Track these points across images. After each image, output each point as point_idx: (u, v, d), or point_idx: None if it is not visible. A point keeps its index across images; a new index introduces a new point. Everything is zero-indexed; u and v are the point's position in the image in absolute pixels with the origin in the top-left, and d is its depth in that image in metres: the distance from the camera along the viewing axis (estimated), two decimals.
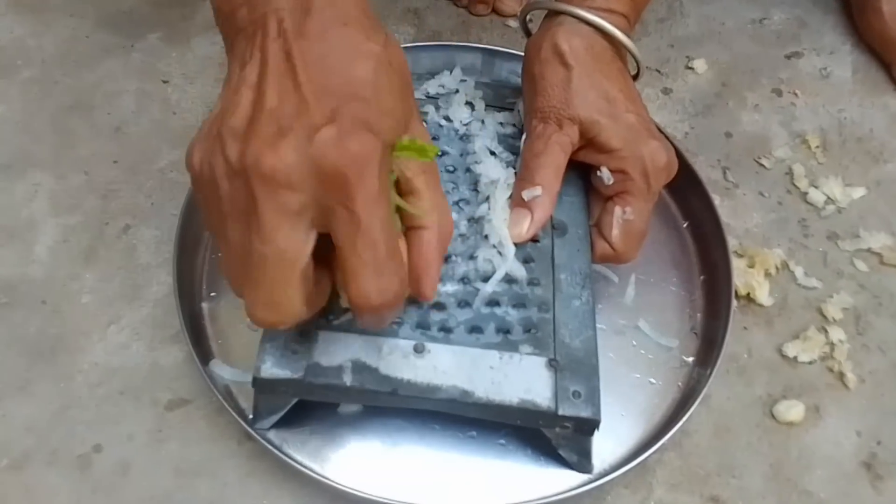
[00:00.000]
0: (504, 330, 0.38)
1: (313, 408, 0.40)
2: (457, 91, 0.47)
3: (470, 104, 0.47)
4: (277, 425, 0.39)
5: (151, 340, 0.44)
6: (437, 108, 0.46)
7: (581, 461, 0.39)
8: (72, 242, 0.48)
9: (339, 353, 0.36)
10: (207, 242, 0.47)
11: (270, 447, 0.38)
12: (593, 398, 0.36)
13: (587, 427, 0.36)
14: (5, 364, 0.43)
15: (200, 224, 0.47)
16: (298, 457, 0.39)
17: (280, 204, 0.27)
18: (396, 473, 0.39)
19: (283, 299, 0.29)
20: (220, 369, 0.41)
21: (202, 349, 0.42)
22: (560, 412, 0.36)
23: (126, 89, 0.56)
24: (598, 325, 0.44)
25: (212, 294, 0.45)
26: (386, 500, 0.36)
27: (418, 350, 0.37)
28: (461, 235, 0.41)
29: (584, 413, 0.36)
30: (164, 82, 0.56)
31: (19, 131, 0.53)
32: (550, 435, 0.37)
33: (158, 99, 0.55)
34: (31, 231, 0.48)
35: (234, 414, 0.38)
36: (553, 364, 0.37)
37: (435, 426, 0.40)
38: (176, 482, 0.39)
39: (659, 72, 0.60)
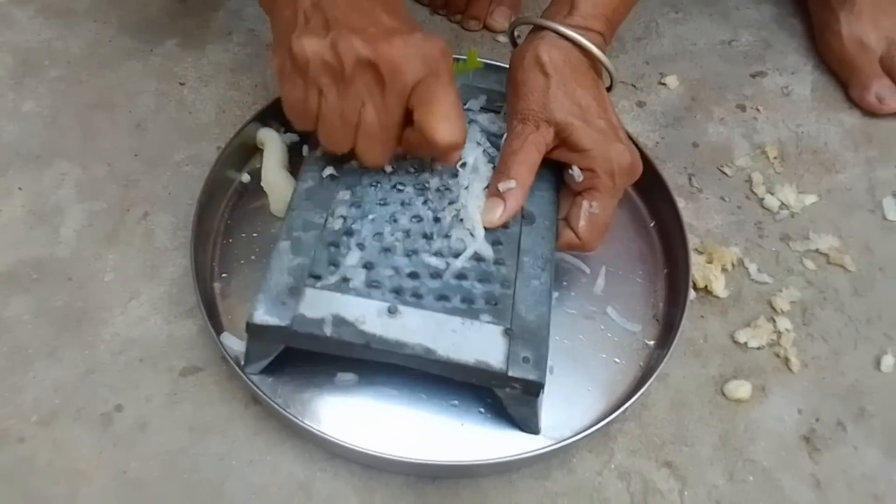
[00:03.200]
0: (469, 300, 0.43)
1: (313, 377, 0.45)
2: None
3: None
4: (268, 371, 0.44)
5: (168, 315, 0.48)
6: None
7: (528, 422, 0.43)
8: (96, 226, 0.52)
9: (322, 307, 0.41)
10: (219, 229, 0.52)
11: (276, 405, 0.42)
12: (540, 364, 0.41)
13: (533, 388, 0.41)
14: (36, 332, 0.47)
15: (213, 212, 0.52)
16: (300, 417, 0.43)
17: (401, 86, 0.40)
18: (387, 433, 0.44)
19: (389, 150, 0.44)
20: (230, 341, 0.46)
21: (213, 323, 0.46)
22: (510, 373, 0.40)
23: (145, 90, 0.60)
24: (570, 311, 0.50)
25: (223, 275, 0.50)
26: (377, 453, 0.41)
27: (391, 311, 0.41)
28: (439, 217, 0.46)
29: (531, 376, 0.40)
30: (181, 84, 0.61)
31: (47, 125, 0.58)
32: (501, 395, 0.42)
33: (175, 99, 0.60)
34: (59, 215, 0.53)
35: (245, 378, 0.43)
36: (508, 333, 0.41)
37: (422, 395, 0.45)
38: (189, 439, 0.44)
39: (634, 86, 0.66)
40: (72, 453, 0.43)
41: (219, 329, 0.46)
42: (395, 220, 0.45)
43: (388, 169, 0.47)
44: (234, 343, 0.46)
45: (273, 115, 0.55)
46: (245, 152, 0.55)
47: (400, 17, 0.42)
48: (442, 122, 0.41)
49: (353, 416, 0.44)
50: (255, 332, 0.41)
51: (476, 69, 0.50)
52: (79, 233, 0.52)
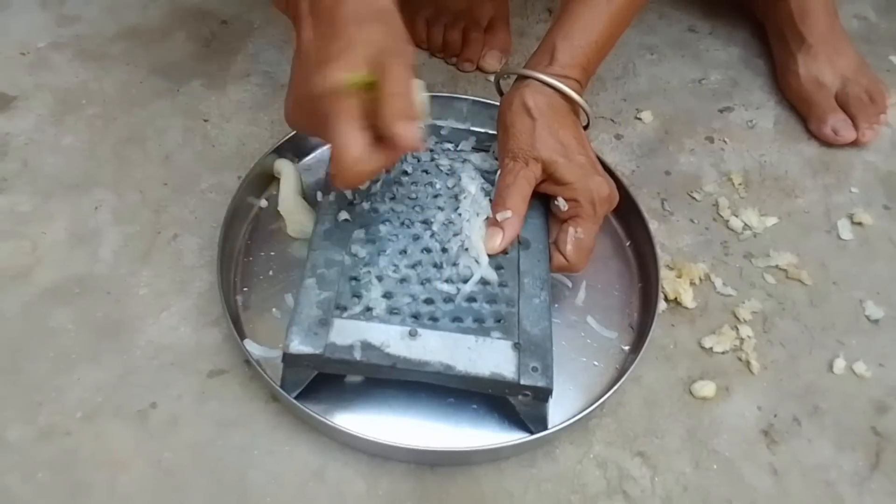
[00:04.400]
0: (479, 320, 0.48)
1: (326, 380, 0.50)
2: (449, 141, 0.59)
3: (455, 146, 0.59)
4: (299, 395, 0.49)
5: (196, 324, 0.54)
6: (432, 157, 0.58)
7: (538, 427, 0.49)
8: (130, 247, 0.58)
9: (350, 335, 0.47)
10: (240, 249, 0.58)
11: (295, 402, 0.48)
12: (547, 372, 0.46)
13: (542, 394, 0.46)
14: (79, 339, 0.53)
15: (235, 234, 0.58)
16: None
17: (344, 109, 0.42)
18: (391, 427, 0.49)
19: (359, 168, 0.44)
20: (251, 346, 0.51)
21: (237, 331, 0.52)
22: (522, 382, 0.46)
23: (173, 125, 0.67)
24: (554, 320, 0.55)
25: (244, 289, 0.56)
26: (382, 441, 0.47)
27: (412, 334, 0.47)
28: (446, 248, 0.52)
29: (540, 383, 0.46)
30: (205, 121, 0.68)
31: (85, 158, 0.64)
32: (514, 402, 0.47)
33: (200, 134, 0.67)
34: (97, 237, 0.59)
35: (267, 377, 0.48)
36: (517, 346, 0.47)
37: (421, 394, 0.50)
38: (216, 431, 0.49)
39: (613, 121, 0.72)
40: (112, 445, 0.48)
41: (242, 336, 0.52)
42: (408, 253, 0.51)
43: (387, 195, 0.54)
44: (255, 348, 0.51)
45: (288, 147, 0.62)
46: (263, 181, 0.61)
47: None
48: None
49: (360, 413, 0.50)
50: (292, 361, 0.46)
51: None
52: (115, 252, 0.58)
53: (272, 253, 0.58)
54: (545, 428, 0.49)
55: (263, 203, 0.61)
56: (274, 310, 0.54)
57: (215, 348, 0.53)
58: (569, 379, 0.53)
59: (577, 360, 0.54)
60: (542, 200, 0.54)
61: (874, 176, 0.70)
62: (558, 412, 0.51)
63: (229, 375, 0.52)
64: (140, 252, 0.58)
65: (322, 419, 0.48)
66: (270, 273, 0.57)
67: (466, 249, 0.51)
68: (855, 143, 0.72)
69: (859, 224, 0.66)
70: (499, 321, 0.48)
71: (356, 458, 0.49)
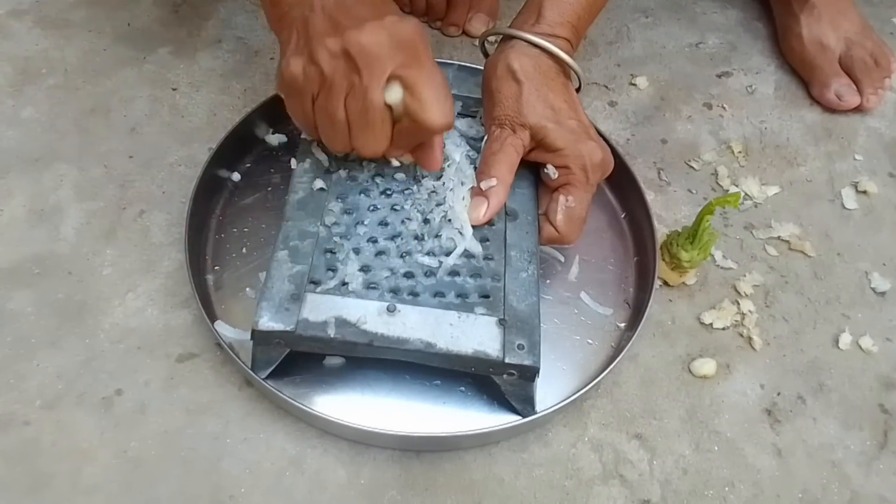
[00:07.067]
0: (463, 295, 0.46)
1: (303, 361, 0.47)
2: None
3: None
4: (272, 376, 0.46)
5: (164, 306, 0.51)
6: None
7: (525, 407, 0.46)
8: (94, 224, 0.55)
9: (324, 311, 0.44)
10: (211, 225, 0.54)
11: (270, 387, 0.45)
12: (534, 350, 0.43)
13: (529, 373, 0.44)
14: (38, 323, 0.50)
15: (206, 209, 0.55)
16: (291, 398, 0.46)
17: (376, 67, 0.41)
18: (373, 412, 0.46)
19: (382, 137, 0.44)
20: (223, 329, 0.48)
21: (208, 312, 0.49)
22: (507, 360, 0.43)
23: (139, 95, 0.63)
24: (546, 297, 0.53)
25: (215, 268, 0.52)
26: (364, 427, 0.44)
27: (391, 310, 0.44)
28: (428, 219, 0.48)
29: (527, 361, 0.43)
30: (173, 90, 0.64)
31: (46, 130, 0.60)
32: (499, 382, 0.44)
33: (168, 104, 0.63)
34: (58, 214, 0.55)
35: (240, 361, 0.45)
36: (502, 322, 0.44)
37: (406, 376, 0.48)
38: (186, 420, 0.46)
39: (607, 87, 0.69)
40: (75, 435, 0.45)
41: (213, 318, 0.49)
42: (387, 224, 0.48)
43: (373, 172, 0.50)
44: (228, 331, 0.48)
45: (262, 116, 0.58)
46: (236, 153, 0.58)
47: (377, 7, 0.43)
48: (432, 105, 0.42)
49: (340, 397, 0.47)
50: (261, 339, 0.43)
51: (734, 207, 0.54)
52: (78, 230, 0.54)
53: (245, 229, 0.54)
54: (532, 408, 0.46)
55: (236, 176, 0.57)
56: (248, 289, 0.51)
57: (185, 331, 0.50)
58: (562, 358, 0.50)
59: (571, 338, 0.51)
60: (531, 170, 0.51)
61: (878, 142, 0.67)
62: (551, 393, 0.48)
63: (200, 360, 0.49)
64: (104, 229, 0.55)
65: (299, 405, 0.45)
66: (244, 250, 0.53)
67: (449, 220, 0.48)
68: (859, 109, 0.69)
69: (864, 193, 0.63)
70: (483, 296, 0.45)
71: (336, 445, 0.46)
